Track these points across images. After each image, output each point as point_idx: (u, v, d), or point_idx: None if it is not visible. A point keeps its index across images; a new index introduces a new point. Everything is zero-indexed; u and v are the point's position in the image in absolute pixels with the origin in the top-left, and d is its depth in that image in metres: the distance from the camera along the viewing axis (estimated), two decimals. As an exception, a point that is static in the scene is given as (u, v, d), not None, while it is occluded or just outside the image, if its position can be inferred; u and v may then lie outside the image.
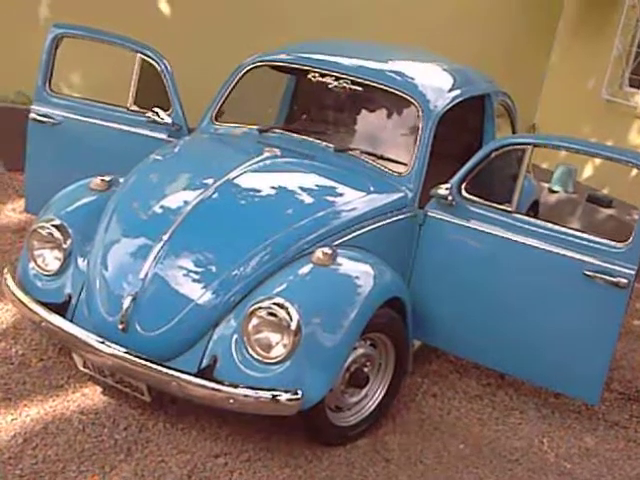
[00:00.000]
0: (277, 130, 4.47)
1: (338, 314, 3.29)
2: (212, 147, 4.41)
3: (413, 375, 4.31)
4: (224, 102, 4.60)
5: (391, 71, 4.47)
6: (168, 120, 4.63)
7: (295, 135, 4.38)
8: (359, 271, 3.52)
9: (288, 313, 3.14)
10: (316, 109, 5.04)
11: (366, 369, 3.59)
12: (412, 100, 4.20)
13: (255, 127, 4.46)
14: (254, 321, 3.19)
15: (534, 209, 5.89)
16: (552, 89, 9.69)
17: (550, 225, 3.83)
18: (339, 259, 3.44)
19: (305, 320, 3.15)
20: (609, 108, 8.69)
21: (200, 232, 3.49)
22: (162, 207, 3.60)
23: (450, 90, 4.46)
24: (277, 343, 3.17)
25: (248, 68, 4.60)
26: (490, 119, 4.88)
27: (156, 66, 4.68)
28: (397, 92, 4.24)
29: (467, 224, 3.96)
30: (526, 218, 3.89)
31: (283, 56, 4.63)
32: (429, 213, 4.04)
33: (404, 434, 3.81)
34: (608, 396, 4.50)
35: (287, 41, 5.08)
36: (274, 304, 3.16)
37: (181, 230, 3.43)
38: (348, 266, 3.49)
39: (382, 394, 3.74)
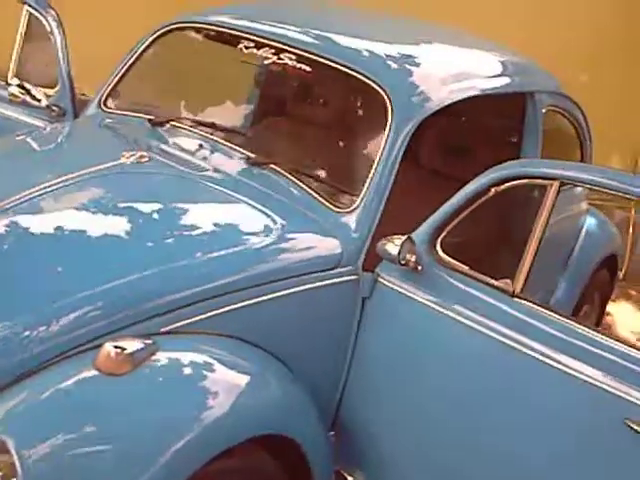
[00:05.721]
0: (175, 123, 2.89)
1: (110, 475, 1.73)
2: (59, 145, 2.84)
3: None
4: (120, 80, 3.08)
5: (361, 47, 2.78)
6: (43, 101, 3.18)
7: (198, 133, 2.81)
8: (189, 383, 1.92)
9: (10, 465, 1.63)
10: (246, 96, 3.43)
11: None
12: (379, 88, 2.56)
13: (147, 117, 2.92)
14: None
15: (610, 266, 4.11)
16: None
17: (573, 324, 2.13)
18: (158, 358, 1.88)
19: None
20: None
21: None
22: None
23: (457, 79, 2.78)
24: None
25: (159, 34, 3.06)
26: (533, 131, 3.14)
27: (42, 22, 3.25)
28: (358, 75, 2.59)
29: (440, 306, 2.30)
30: (535, 307, 2.19)
31: (202, 17, 3.03)
32: (380, 279, 2.41)
33: None
34: None
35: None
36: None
37: None
38: (169, 374, 1.91)
39: None
